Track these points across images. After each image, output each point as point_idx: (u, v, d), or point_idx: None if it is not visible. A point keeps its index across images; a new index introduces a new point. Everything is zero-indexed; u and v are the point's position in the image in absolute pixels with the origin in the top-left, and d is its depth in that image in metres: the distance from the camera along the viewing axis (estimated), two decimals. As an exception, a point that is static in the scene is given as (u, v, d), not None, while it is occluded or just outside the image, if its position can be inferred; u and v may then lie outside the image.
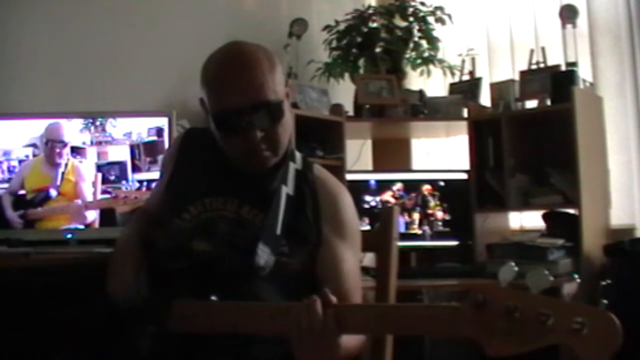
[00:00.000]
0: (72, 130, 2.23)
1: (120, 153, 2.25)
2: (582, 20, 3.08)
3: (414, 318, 0.99)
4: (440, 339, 2.98)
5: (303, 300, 1.06)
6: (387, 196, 3.09)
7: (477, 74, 3.37)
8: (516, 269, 0.95)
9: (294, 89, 2.92)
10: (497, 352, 0.87)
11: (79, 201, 2.21)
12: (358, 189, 2.98)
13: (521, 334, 0.85)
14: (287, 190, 1.36)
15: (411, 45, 3.34)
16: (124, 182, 2.24)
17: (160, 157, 2.24)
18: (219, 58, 1.33)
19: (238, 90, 1.26)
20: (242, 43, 1.35)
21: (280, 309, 1.10)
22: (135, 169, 2.26)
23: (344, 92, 3.35)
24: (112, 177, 2.24)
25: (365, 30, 3.36)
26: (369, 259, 2.01)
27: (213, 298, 1.16)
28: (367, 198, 3.07)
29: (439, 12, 3.34)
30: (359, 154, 3.40)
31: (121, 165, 2.25)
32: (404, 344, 1.47)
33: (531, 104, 3.04)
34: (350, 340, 1.16)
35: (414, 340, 2.88)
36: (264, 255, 1.25)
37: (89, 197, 2.22)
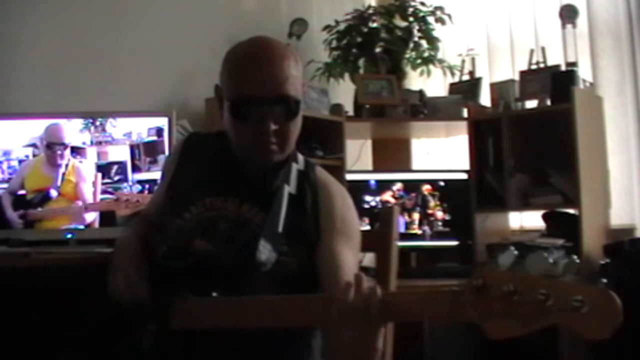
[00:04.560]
0: (72, 130, 2.22)
1: (120, 153, 2.25)
2: (582, 20, 3.08)
3: (415, 304, 0.99)
4: (440, 330, 2.98)
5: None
6: (387, 196, 3.09)
7: (477, 74, 3.37)
8: (516, 252, 0.96)
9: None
10: (499, 335, 0.87)
11: (80, 202, 2.21)
12: (358, 189, 2.98)
13: (522, 315, 0.86)
14: (289, 189, 1.36)
15: (411, 45, 3.34)
16: (124, 182, 2.24)
17: (160, 157, 2.24)
18: (248, 47, 1.34)
19: (263, 79, 1.28)
20: (271, 38, 1.36)
21: (284, 301, 1.10)
22: (135, 169, 2.26)
23: (344, 92, 3.35)
24: (112, 177, 2.24)
25: (365, 30, 3.36)
26: (369, 259, 2.01)
27: (214, 295, 1.17)
28: (367, 198, 3.07)
29: (439, 12, 3.34)
30: (359, 154, 3.40)
31: (121, 165, 2.25)
32: (404, 333, 1.47)
33: (531, 104, 3.05)
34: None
35: (413, 330, 2.88)
36: (265, 251, 1.26)
37: (90, 198, 2.22)
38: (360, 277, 1.01)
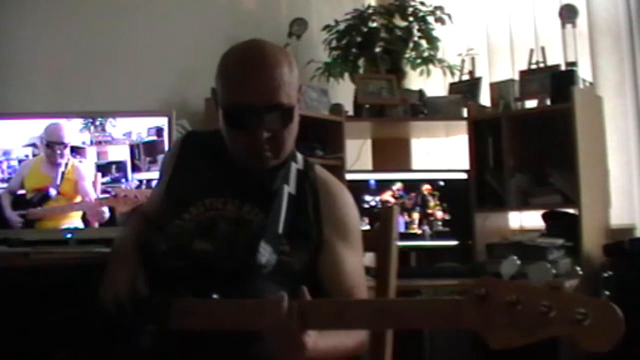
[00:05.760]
0: (72, 130, 2.22)
1: (120, 153, 2.25)
2: (582, 20, 3.08)
3: (417, 312, 0.99)
4: (440, 333, 2.98)
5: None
6: (387, 196, 3.09)
7: (477, 74, 3.37)
8: (519, 262, 0.96)
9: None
10: (500, 345, 0.87)
11: (79, 198, 2.21)
12: (358, 189, 2.98)
13: (524, 326, 0.86)
14: (289, 189, 1.36)
15: (411, 45, 3.34)
16: (124, 182, 2.24)
17: (160, 157, 2.24)
18: (242, 52, 1.33)
19: (255, 88, 1.27)
20: (266, 42, 1.35)
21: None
22: (135, 169, 2.26)
23: (344, 92, 3.35)
24: (112, 177, 2.24)
25: (365, 30, 3.36)
26: (369, 259, 2.01)
27: (215, 297, 1.17)
28: (367, 198, 3.07)
29: (439, 12, 3.34)
30: (359, 154, 3.40)
31: (121, 165, 2.25)
32: (403, 338, 1.47)
33: (531, 104, 3.05)
34: (342, 341, 1.16)
35: (413, 335, 2.89)
36: (266, 254, 1.26)
37: (92, 196, 2.22)
38: (279, 298, 1.05)
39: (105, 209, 2.21)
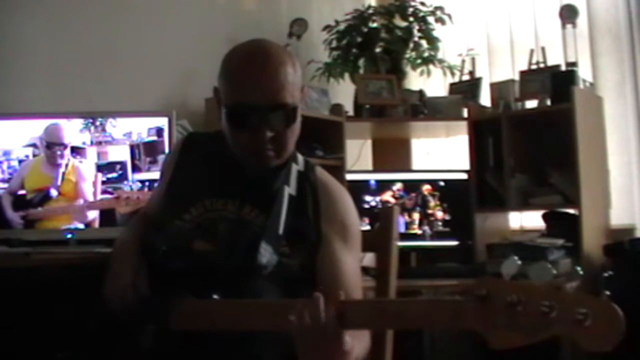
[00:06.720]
0: (72, 130, 2.22)
1: (120, 153, 2.25)
2: (582, 20, 3.08)
3: (418, 312, 0.99)
4: (440, 333, 2.98)
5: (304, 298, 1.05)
6: (387, 196, 3.09)
7: (477, 74, 3.37)
8: (519, 262, 0.96)
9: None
10: (501, 345, 0.87)
11: (81, 201, 2.21)
12: (358, 189, 2.98)
13: (524, 326, 0.86)
14: (289, 190, 1.36)
15: (411, 45, 3.34)
16: (124, 182, 2.24)
17: (160, 157, 2.24)
18: (246, 52, 1.32)
19: (259, 87, 1.27)
20: (270, 42, 1.35)
21: (283, 305, 1.10)
22: (135, 169, 2.26)
23: (344, 92, 3.35)
24: (112, 177, 2.24)
25: (365, 30, 3.36)
26: (369, 259, 2.01)
27: (215, 297, 1.17)
28: (367, 198, 3.07)
29: (439, 12, 3.34)
30: (359, 154, 3.40)
31: (121, 165, 2.25)
32: (404, 338, 1.47)
33: (531, 104, 3.05)
34: (357, 347, 1.16)
35: (413, 335, 2.89)
36: (266, 254, 1.26)
37: (90, 197, 2.22)
38: (316, 298, 1.02)
39: (90, 213, 2.21)
